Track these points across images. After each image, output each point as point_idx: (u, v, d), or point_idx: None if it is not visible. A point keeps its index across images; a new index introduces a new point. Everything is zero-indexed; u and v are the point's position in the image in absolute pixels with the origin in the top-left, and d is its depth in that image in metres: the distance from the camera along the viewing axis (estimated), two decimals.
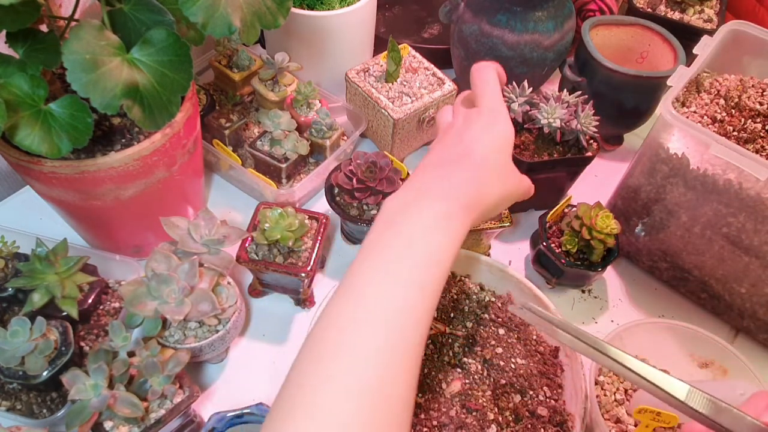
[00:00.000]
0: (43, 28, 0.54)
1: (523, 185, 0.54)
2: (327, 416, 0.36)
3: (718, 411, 0.43)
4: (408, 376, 0.40)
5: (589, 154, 0.71)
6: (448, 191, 0.46)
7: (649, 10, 0.91)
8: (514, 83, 0.71)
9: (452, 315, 0.65)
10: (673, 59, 0.78)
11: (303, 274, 0.63)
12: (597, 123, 0.69)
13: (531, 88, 0.71)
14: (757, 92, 0.64)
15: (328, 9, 0.80)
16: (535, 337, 0.64)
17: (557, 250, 0.68)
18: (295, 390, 0.38)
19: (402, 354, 0.40)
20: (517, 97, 0.70)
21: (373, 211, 0.69)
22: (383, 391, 0.38)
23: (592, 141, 0.71)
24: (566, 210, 0.72)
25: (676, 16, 0.91)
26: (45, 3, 0.52)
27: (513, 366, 0.61)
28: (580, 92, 0.71)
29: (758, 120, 0.62)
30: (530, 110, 0.70)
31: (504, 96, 0.59)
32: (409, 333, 0.40)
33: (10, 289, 0.60)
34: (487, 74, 0.55)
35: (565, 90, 0.71)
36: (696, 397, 0.43)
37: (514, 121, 0.60)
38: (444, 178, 0.47)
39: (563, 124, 0.68)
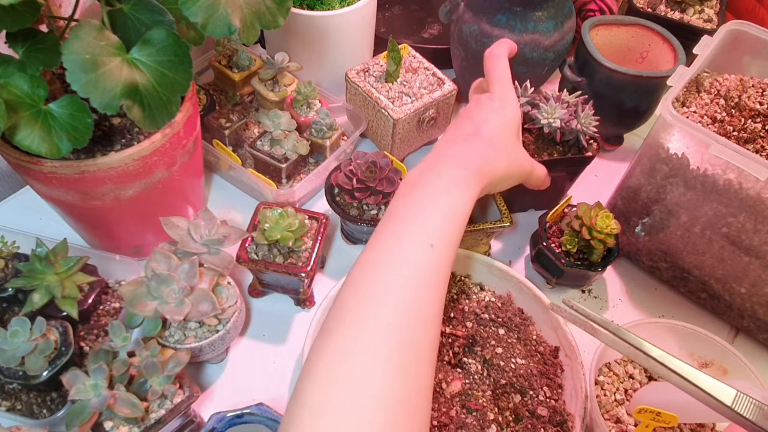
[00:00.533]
0: (43, 28, 0.54)
1: (526, 167, 0.59)
2: (351, 380, 0.39)
3: (766, 417, 0.42)
4: (431, 319, 0.44)
5: (589, 154, 0.71)
6: (462, 159, 0.52)
7: (649, 10, 0.91)
8: (516, 83, 0.71)
9: (452, 315, 0.65)
10: (673, 59, 0.78)
11: (303, 274, 0.63)
12: (597, 123, 0.69)
13: (533, 89, 0.71)
14: (757, 92, 0.64)
15: (328, 9, 0.80)
16: (535, 337, 0.64)
17: (557, 250, 0.68)
18: (327, 355, 0.41)
19: (424, 309, 0.44)
20: (518, 98, 0.70)
21: (373, 211, 0.69)
22: (409, 336, 0.42)
23: (592, 141, 0.71)
24: (566, 210, 0.72)
25: (676, 16, 0.91)
26: (45, 3, 0.52)
27: (513, 366, 0.61)
28: (580, 92, 0.71)
29: (758, 120, 0.62)
30: (531, 110, 0.70)
31: None
32: (431, 290, 0.45)
33: (10, 289, 0.60)
34: (499, 63, 0.61)
35: (565, 90, 0.71)
36: (743, 403, 0.42)
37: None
38: (458, 150, 0.54)
39: (563, 124, 0.68)
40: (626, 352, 0.47)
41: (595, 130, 0.69)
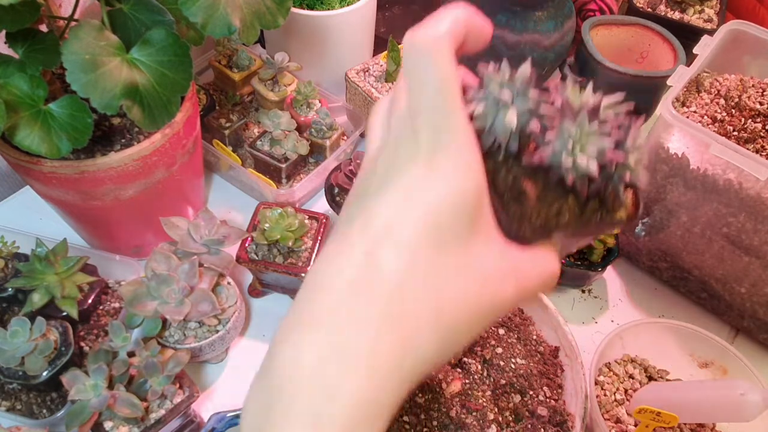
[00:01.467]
0: (43, 28, 0.54)
1: (503, 298, 0.27)
2: None
3: None
4: None
5: (621, 215, 0.31)
6: (323, 390, 0.24)
7: (649, 9, 0.91)
8: (505, 62, 0.30)
9: None
10: (673, 59, 0.78)
11: (303, 274, 0.62)
12: (646, 163, 0.31)
13: (535, 81, 0.30)
14: (757, 92, 0.64)
15: (328, 9, 0.80)
16: (535, 337, 0.64)
17: None
18: None
19: None
20: (514, 97, 0.29)
21: None
22: None
23: (628, 190, 0.32)
24: None
25: (676, 15, 0.91)
26: (45, 3, 0.52)
27: (513, 366, 0.61)
28: (620, 93, 0.33)
29: (758, 120, 0.62)
30: (533, 128, 0.29)
31: (479, 89, 0.29)
32: None
33: (10, 289, 0.60)
34: (436, 60, 0.26)
35: (601, 93, 0.33)
36: None
37: (505, 151, 0.28)
38: (312, 367, 0.25)
39: (602, 162, 0.29)
40: None
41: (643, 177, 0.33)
